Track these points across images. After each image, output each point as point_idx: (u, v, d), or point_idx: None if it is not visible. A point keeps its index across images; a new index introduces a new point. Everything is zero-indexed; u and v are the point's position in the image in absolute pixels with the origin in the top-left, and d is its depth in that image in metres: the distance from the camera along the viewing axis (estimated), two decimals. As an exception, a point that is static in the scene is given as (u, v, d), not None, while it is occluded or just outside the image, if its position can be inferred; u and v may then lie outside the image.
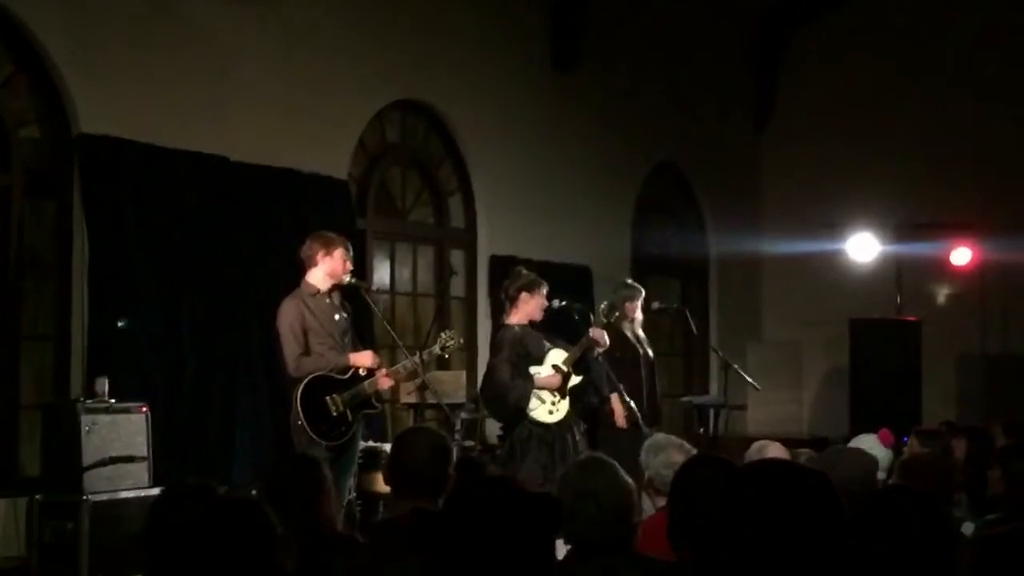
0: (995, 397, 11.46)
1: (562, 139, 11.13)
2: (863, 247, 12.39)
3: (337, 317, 6.87)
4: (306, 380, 6.64)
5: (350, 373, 6.77)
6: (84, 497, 6.55)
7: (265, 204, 8.53)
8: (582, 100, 11.33)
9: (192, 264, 8.04)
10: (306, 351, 6.72)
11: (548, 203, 10.90)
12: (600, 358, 7.64)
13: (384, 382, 6.86)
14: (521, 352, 7.39)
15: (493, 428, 8.59)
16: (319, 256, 6.84)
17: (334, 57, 9.19)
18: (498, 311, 8.44)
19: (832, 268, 12.69)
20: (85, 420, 6.67)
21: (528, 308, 7.46)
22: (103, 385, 6.91)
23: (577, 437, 7.43)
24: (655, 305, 8.90)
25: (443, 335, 7.14)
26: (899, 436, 6.65)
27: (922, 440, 6.87)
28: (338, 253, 6.87)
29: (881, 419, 7.35)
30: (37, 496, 6.72)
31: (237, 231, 8.33)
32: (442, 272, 10.16)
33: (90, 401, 6.85)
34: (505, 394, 7.35)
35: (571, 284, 9.91)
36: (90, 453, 6.65)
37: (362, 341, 7.28)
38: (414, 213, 10.35)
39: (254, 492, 5.31)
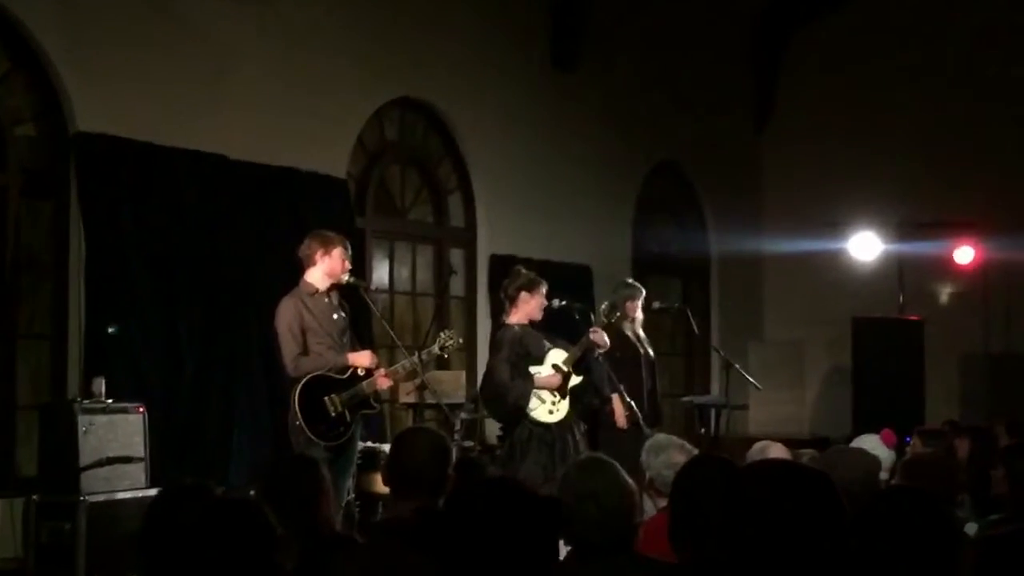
0: (998, 396, 11.43)
1: (562, 138, 11.11)
2: (865, 246, 12.36)
3: (335, 316, 6.84)
4: (304, 380, 6.61)
5: (349, 373, 6.74)
6: (81, 498, 6.52)
7: (263, 203, 8.51)
8: (582, 99, 11.31)
9: (190, 263, 8.01)
10: (304, 351, 6.69)
11: (548, 202, 10.88)
12: (601, 358, 7.61)
13: (383, 382, 6.84)
14: (521, 352, 7.37)
15: (493, 428, 8.56)
16: (318, 255, 6.82)
17: (333, 55, 9.16)
18: (498, 311, 8.41)
19: (834, 267, 12.67)
20: (82, 420, 6.64)
21: (528, 308, 7.43)
22: (100, 385, 6.88)
23: (578, 438, 7.40)
24: (656, 305, 8.87)
25: (442, 335, 7.11)
26: (902, 436, 6.63)
27: (925, 440, 6.85)
28: (337, 252, 6.84)
29: (883, 419, 7.32)
30: (34, 496, 6.69)
31: (235, 230, 8.30)
32: (441, 271, 10.14)
33: (87, 401, 6.82)
34: (504, 394, 7.33)
35: (571, 283, 9.88)
36: (87, 453, 6.62)
37: (361, 341, 7.25)
38: (413, 212, 10.33)
39: (252, 492, 5.27)
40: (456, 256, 10.44)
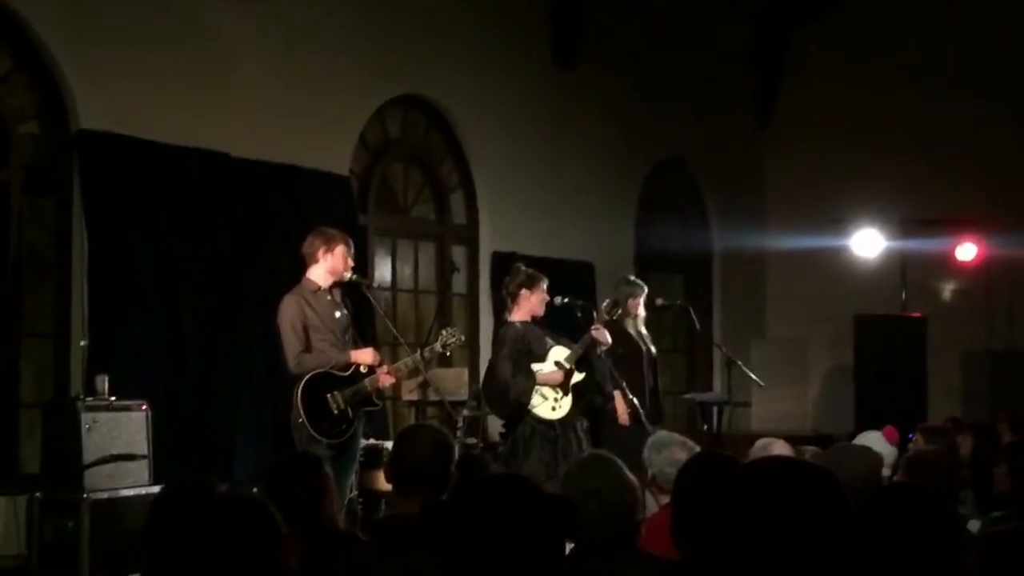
0: (1000, 393, 11.41)
1: (564, 135, 11.10)
2: (868, 243, 12.34)
3: (338, 314, 6.84)
4: (307, 377, 6.61)
5: (351, 370, 6.74)
6: (84, 495, 6.53)
7: (266, 200, 8.51)
8: (584, 96, 11.30)
9: (192, 261, 8.01)
10: (307, 348, 6.69)
11: (550, 199, 10.87)
12: (603, 355, 7.61)
13: (385, 379, 6.83)
14: (523, 349, 7.36)
15: (495, 425, 8.56)
16: (320, 253, 6.81)
17: (335, 53, 9.16)
18: (500, 308, 8.41)
19: (836, 264, 12.65)
20: (85, 418, 6.65)
21: (529, 304, 7.43)
22: (103, 383, 6.89)
23: (580, 435, 7.40)
24: (659, 302, 8.86)
25: (444, 332, 7.11)
26: (904, 433, 6.63)
27: (927, 437, 6.84)
28: (339, 250, 6.83)
29: (886, 416, 7.33)
30: (37, 494, 6.71)
31: (238, 228, 8.31)
32: (443, 269, 10.13)
33: (90, 399, 6.83)
34: (506, 391, 7.32)
35: (574, 280, 9.87)
36: (90, 451, 6.63)
37: (363, 338, 7.25)
38: (415, 209, 10.33)
39: (255, 490, 5.27)
40: (458, 253, 10.44)
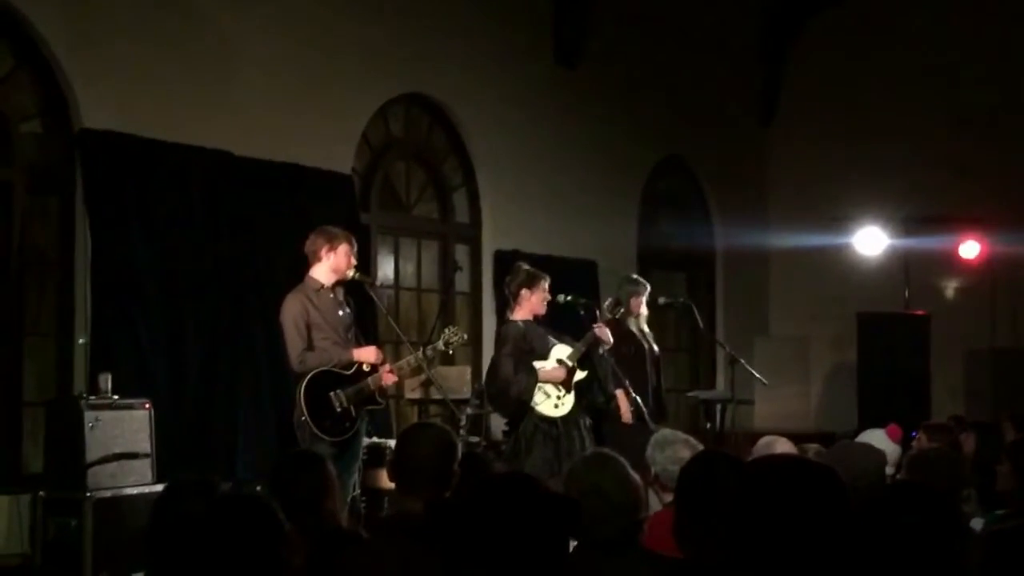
0: (1004, 391, 11.39)
1: (567, 133, 11.10)
2: (871, 241, 12.33)
3: (341, 312, 6.84)
4: (310, 375, 6.61)
5: (354, 369, 6.74)
6: (87, 494, 6.52)
7: (269, 199, 8.50)
8: (587, 94, 11.29)
9: (195, 260, 8.01)
10: (310, 346, 6.69)
11: (553, 197, 10.87)
12: (606, 354, 7.60)
13: (388, 378, 6.83)
14: (525, 347, 7.36)
15: (498, 424, 8.57)
16: (323, 251, 6.81)
17: (337, 51, 9.16)
18: (503, 306, 8.40)
19: (839, 262, 12.64)
20: (88, 416, 6.64)
21: (530, 304, 7.42)
22: (106, 381, 6.88)
23: (584, 433, 7.39)
24: (661, 300, 8.85)
25: (447, 331, 7.11)
26: (907, 431, 6.61)
27: (930, 435, 6.81)
28: (342, 248, 6.83)
29: (889, 414, 7.31)
30: (40, 493, 6.70)
31: (240, 226, 8.30)
32: (446, 267, 10.13)
33: (93, 397, 6.82)
34: (508, 388, 7.32)
35: (577, 279, 9.86)
36: (93, 450, 6.62)
37: (366, 336, 7.25)
38: (418, 208, 10.33)
39: (258, 488, 5.27)
40: (461, 252, 10.43)
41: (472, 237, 10.54)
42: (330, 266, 6.81)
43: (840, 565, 2.26)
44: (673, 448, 4.55)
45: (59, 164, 7.72)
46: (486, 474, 4.07)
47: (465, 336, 7.44)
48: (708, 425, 9.21)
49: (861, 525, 2.51)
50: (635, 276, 8.62)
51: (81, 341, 7.51)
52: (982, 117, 12.24)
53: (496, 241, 10.46)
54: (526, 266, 7.63)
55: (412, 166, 10.29)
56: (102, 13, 7.77)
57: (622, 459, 3.54)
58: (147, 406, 6.98)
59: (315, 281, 6.80)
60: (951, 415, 9.38)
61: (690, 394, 10.57)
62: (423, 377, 7.93)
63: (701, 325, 9.45)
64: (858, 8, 13.04)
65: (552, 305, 7.55)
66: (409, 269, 10.23)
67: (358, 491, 7.18)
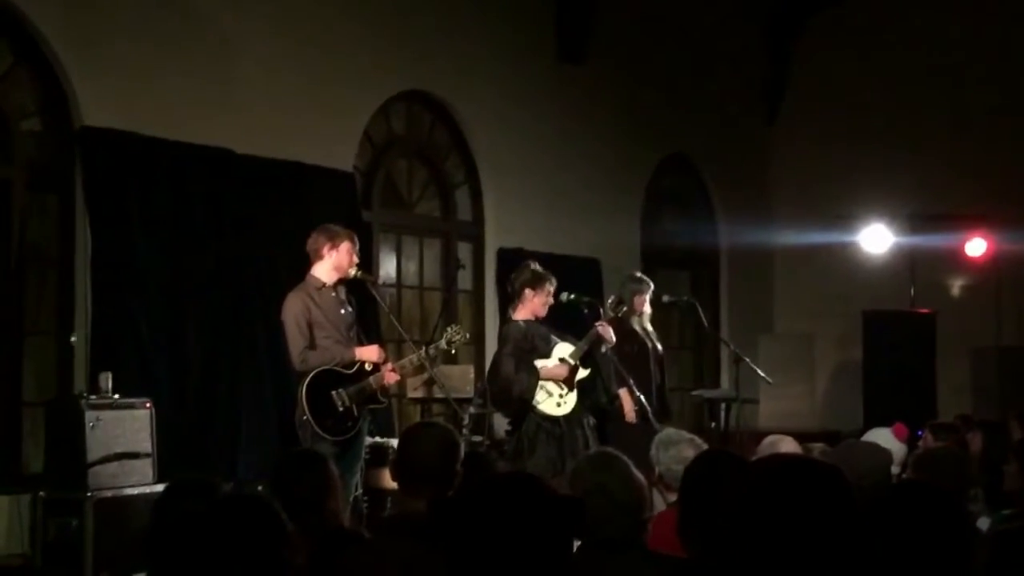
0: (1010, 390, 11.36)
1: (570, 131, 11.07)
2: (876, 239, 12.30)
3: (343, 311, 6.82)
4: (312, 374, 6.59)
5: (356, 367, 6.72)
6: (88, 494, 6.50)
7: (270, 197, 8.48)
8: (590, 92, 11.26)
9: (196, 258, 7.99)
10: (311, 345, 6.66)
11: (556, 195, 10.84)
12: (609, 352, 7.57)
13: (390, 377, 6.82)
14: (526, 347, 7.34)
15: (501, 423, 8.53)
16: (325, 249, 6.79)
17: (339, 49, 9.13)
18: (506, 305, 8.38)
19: (845, 260, 12.61)
20: (89, 416, 6.61)
21: (532, 304, 7.40)
22: (107, 381, 6.86)
23: (587, 431, 7.37)
24: (665, 298, 8.82)
25: (449, 329, 7.09)
26: (913, 430, 6.59)
27: (936, 434, 6.79)
28: (344, 246, 6.81)
29: (895, 413, 7.29)
30: (41, 493, 6.68)
31: (242, 224, 8.28)
32: (449, 265, 10.10)
33: (94, 397, 6.79)
34: (509, 387, 7.30)
35: (580, 277, 9.84)
36: (94, 449, 6.60)
37: (368, 335, 7.22)
38: (420, 206, 10.30)
39: (260, 488, 5.25)
40: (464, 250, 10.41)
41: (474, 235, 10.51)
42: (332, 264, 6.79)
43: (846, 565, 2.23)
44: (677, 447, 4.54)
45: (59, 162, 7.69)
46: (489, 473, 4.05)
47: (467, 335, 7.41)
48: (712, 424, 9.17)
49: (867, 525, 2.49)
50: (638, 274, 8.58)
51: (72, 338, 7.48)
52: (988, 115, 12.21)
53: (499, 239, 10.43)
54: (535, 265, 7.59)
55: (414, 164, 10.26)
56: (102, 10, 7.75)
57: (626, 458, 3.52)
58: (148, 405, 6.96)
59: (317, 279, 6.78)
60: (957, 414, 9.33)
61: (694, 393, 10.55)
62: (425, 376, 7.91)
63: (705, 323, 9.42)
64: (863, 6, 13.01)
65: (555, 304, 7.52)
66: (411, 267, 10.21)
67: (360, 491, 7.16)
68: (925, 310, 11.88)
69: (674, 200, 12.68)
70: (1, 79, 7.55)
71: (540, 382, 7.26)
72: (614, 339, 7.53)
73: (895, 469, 5.34)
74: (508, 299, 7.79)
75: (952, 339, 11.66)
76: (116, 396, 6.84)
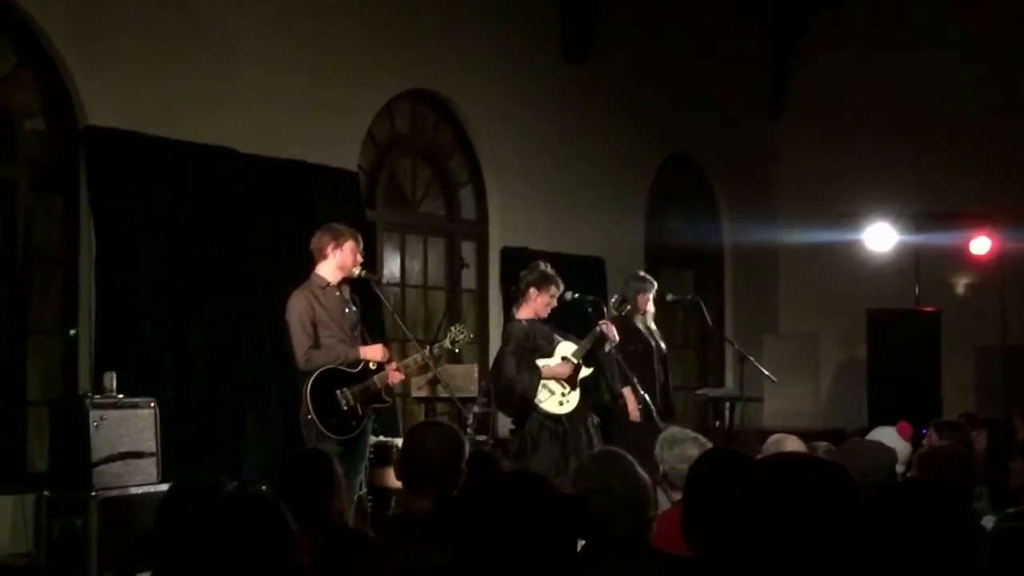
0: (1015, 388, 11.35)
1: (574, 130, 11.07)
2: (880, 237, 12.28)
3: (347, 310, 6.81)
4: (316, 374, 6.58)
5: (360, 367, 6.71)
6: (92, 493, 6.51)
7: (274, 196, 8.49)
8: (594, 91, 11.26)
9: (200, 257, 7.98)
10: (316, 344, 6.66)
11: (560, 194, 10.84)
12: (613, 351, 7.57)
13: (394, 376, 6.81)
14: (529, 346, 7.33)
15: (506, 422, 8.53)
16: (329, 249, 6.78)
17: (342, 48, 9.13)
18: (510, 304, 8.38)
19: (849, 258, 12.60)
20: (93, 415, 6.62)
21: (535, 305, 7.40)
22: (111, 380, 6.86)
23: (591, 430, 7.36)
24: (669, 297, 8.82)
25: (453, 329, 7.08)
26: (918, 428, 6.57)
27: (941, 432, 6.77)
28: (348, 246, 6.81)
29: (899, 411, 7.27)
30: (45, 492, 6.69)
31: (245, 224, 8.28)
32: (453, 264, 10.10)
33: (98, 396, 6.80)
34: (511, 387, 7.29)
35: (584, 276, 9.82)
36: (98, 449, 6.61)
37: (372, 334, 7.22)
38: (424, 205, 10.30)
39: (264, 487, 5.24)
40: (468, 249, 10.41)
41: (479, 234, 10.51)
42: (336, 263, 6.79)
43: (850, 564, 2.23)
44: (682, 446, 4.53)
45: (63, 161, 7.70)
46: (494, 473, 4.04)
47: (471, 334, 7.41)
48: (717, 423, 9.18)
49: (871, 523, 2.49)
50: (642, 273, 8.57)
51: (73, 332, 7.49)
52: (993, 113, 12.19)
53: (503, 238, 10.43)
54: (544, 266, 7.57)
55: (418, 163, 10.26)
56: (106, 10, 7.75)
57: (630, 457, 3.51)
58: (152, 405, 6.96)
59: (321, 279, 6.77)
60: (962, 412, 9.31)
61: (699, 392, 10.54)
62: (430, 375, 7.91)
63: (709, 322, 9.42)
64: (866, 4, 12.99)
65: (559, 303, 7.51)
66: (415, 266, 10.21)
67: (365, 490, 7.15)
68: (929, 309, 11.86)
69: (678, 199, 12.67)
70: (5, 79, 7.55)
71: (542, 381, 7.26)
72: (618, 338, 7.53)
73: (899, 468, 5.34)
74: (512, 297, 7.79)
75: (956, 337, 11.64)
76: (120, 395, 6.85)
